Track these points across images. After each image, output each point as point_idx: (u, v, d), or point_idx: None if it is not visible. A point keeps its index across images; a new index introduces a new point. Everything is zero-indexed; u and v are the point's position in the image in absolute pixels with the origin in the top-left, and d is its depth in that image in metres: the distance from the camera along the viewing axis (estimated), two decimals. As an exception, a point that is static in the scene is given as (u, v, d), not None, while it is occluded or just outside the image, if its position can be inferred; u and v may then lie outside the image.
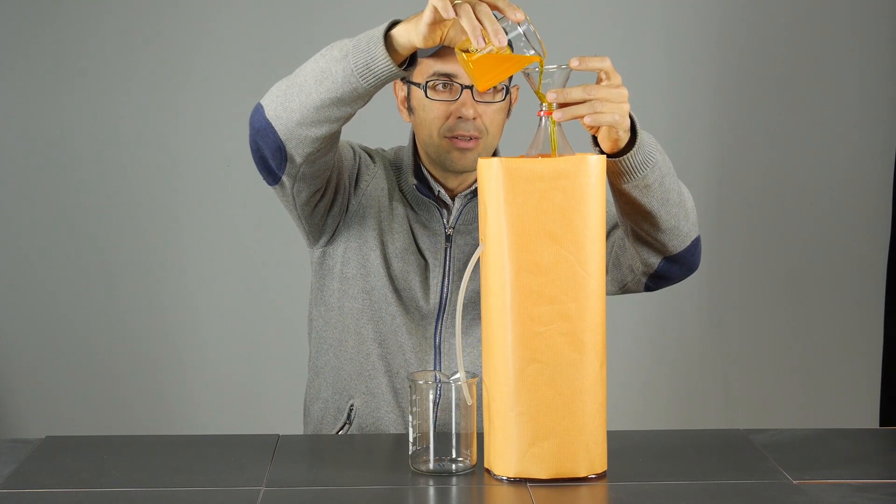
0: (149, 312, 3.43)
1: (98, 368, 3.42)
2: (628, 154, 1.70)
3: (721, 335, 3.48)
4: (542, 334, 1.57)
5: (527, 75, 1.61)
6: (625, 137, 1.69)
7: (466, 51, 1.61)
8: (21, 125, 3.37)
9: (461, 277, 2.02)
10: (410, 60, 1.73)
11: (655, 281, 1.95)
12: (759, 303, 3.47)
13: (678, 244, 1.85)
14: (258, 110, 1.82)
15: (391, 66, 1.70)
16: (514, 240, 1.57)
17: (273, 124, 1.80)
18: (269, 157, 1.85)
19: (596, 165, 1.58)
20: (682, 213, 1.82)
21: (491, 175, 1.58)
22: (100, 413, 3.40)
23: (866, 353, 3.44)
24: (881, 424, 3.37)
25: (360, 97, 1.74)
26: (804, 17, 3.41)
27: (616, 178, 1.74)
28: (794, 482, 1.60)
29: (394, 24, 1.70)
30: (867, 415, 3.41)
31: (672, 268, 1.90)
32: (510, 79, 1.97)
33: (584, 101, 1.63)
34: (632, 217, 1.81)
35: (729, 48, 3.42)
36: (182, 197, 3.39)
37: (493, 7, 1.61)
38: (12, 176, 3.38)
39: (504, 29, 1.59)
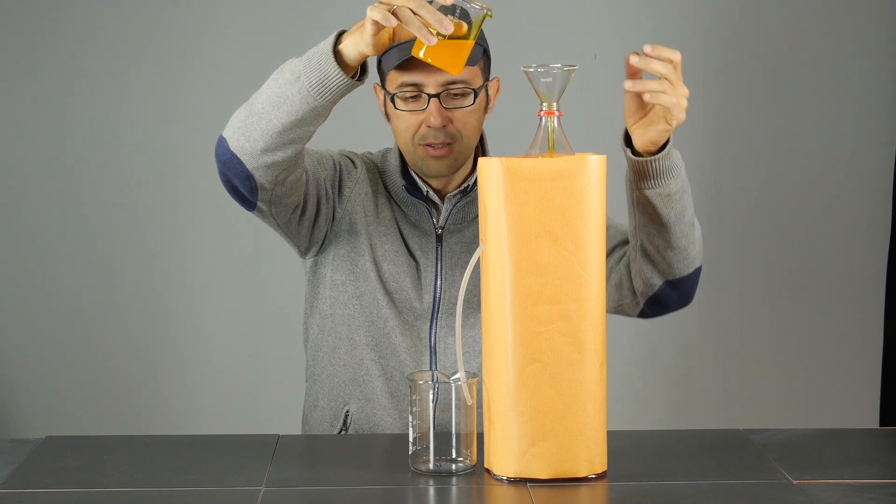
0: (149, 312, 3.43)
1: (98, 368, 3.42)
2: (658, 156, 1.72)
3: (721, 335, 3.48)
4: (542, 334, 1.57)
5: (527, 75, 1.62)
6: (663, 138, 1.71)
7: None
8: (20, 125, 3.37)
9: (453, 276, 2.02)
10: (363, 69, 1.75)
11: (652, 307, 1.97)
12: (759, 303, 3.47)
13: (683, 268, 1.88)
14: (222, 143, 1.83)
15: (345, 79, 1.71)
16: (514, 240, 1.57)
17: (238, 155, 1.82)
18: (240, 186, 1.87)
19: (596, 165, 1.58)
20: (692, 236, 1.86)
21: (491, 175, 1.58)
22: (100, 413, 3.40)
23: (866, 353, 3.44)
24: (881, 424, 3.37)
25: (320, 115, 1.76)
26: (805, 16, 3.41)
27: (641, 182, 1.76)
28: (794, 482, 1.60)
29: (340, 33, 1.72)
30: (867, 415, 3.41)
31: (671, 293, 1.92)
32: (485, 79, 1.97)
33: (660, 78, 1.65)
34: (646, 230, 1.83)
35: (730, 48, 3.42)
36: (182, 197, 3.39)
37: None
38: (12, 176, 3.38)
39: (444, 10, 1.63)
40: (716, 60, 3.42)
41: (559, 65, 1.60)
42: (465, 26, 1.65)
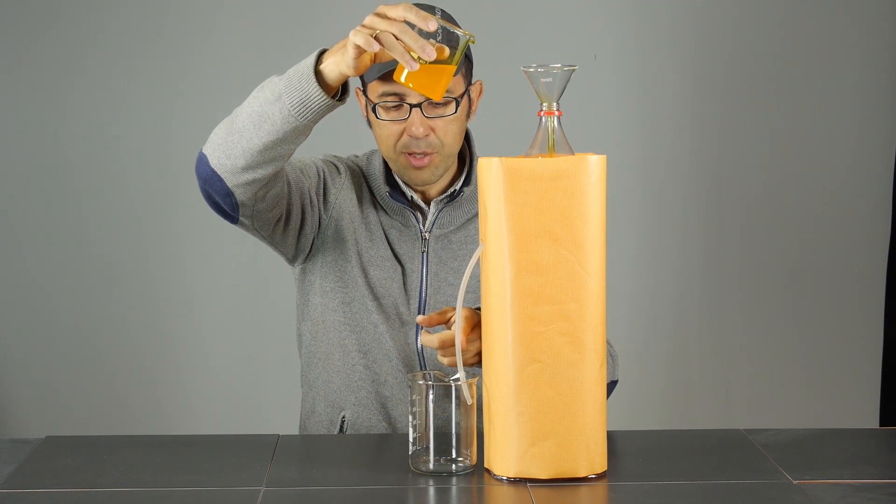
0: (148, 312, 3.43)
1: (98, 368, 3.42)
2: None
3: (721, 335, 3.48)
4: (542, 334, 1.57)
5: (527, 75, 1.62)
6: None
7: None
8: (20, 125, 3.37)
9: (438, 282, 2.03)
10: (344, 88, 1.75)
11: None
12: (759, 303, 3.47)
13: None
14: (202, 160, 1.83)
15: (326, 100, 1.71)
16: (514, 240, 1.57)
17: (218, 172, 1.82)
18: (221, 202, 1.87)
19: (596, 165, 1.58)
20: None
21: (491, 175, 1.58)
22: (100, 413, 3.40)
23: (866, 353, 3.44)
24: (881, 424, 3.37)
25: (301, 134, 1.76)
26: (805, 16, 3.41)
27: None
28: (794, 482, 1.60)
29: (322, 52, 1.72)
30: (867, 415, 3.41)
31: None
32: (468, 84, 1.98)
33: None
34: None
35: (730, 48, 3.42)
36: (182, 199, 3.39)
37: (407, 21, 1.63)
38: (11, 176, 3.38)
39: (426, 36, 1.63)
40: (715, 60, 3.42)
41: (559, 65, 1.60)
42: (447, 50, 1.65)
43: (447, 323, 1.78)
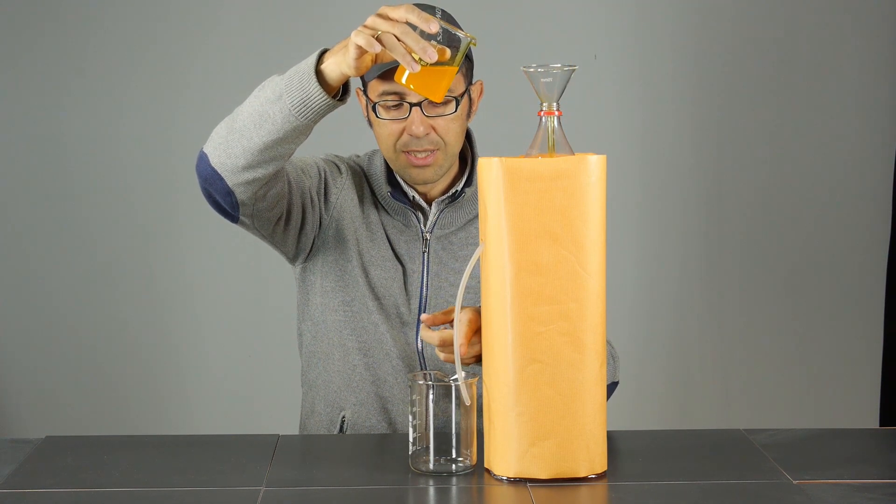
0: (148, 312, 3.43)
1: (98, 368, 3.42)
2: None
3: (721, 335, 3.48)
4: (542, 334, 1.57)
5: (527, 75, 1.62)
6: None
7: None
8: (19, 125, 3.37)
9: (439, 282, 2.02)
10: (345, 88, 1.75)
11: None
12: (759, 303, 3.47)
13: None
14: (202, 159, 1.83)
15: (327, 100, 1.71)
16: (514, 240, 1.57)
17: (219, 171, 1.82)
18: (222, 201, 1.87)
19: (596, 165, 1.58)
20: None
21: (491, 175, 1.58)
22: (100, 413, 3.40)
23: (866, 353, 3.44)
24: (881, 424, 3.37)
25: (301, 133, 1.76)
26: (805, 16, 3.41)
27: None
28: (794, 482, 1.60)
29: (323, 52, 1.72)
30: (867, 415, 3.41)
31: None
32: (468, 83, 1.97)
33: None
34: None
35: (729, 48, 3.42)
36: (181, 197, 3.39)
37: (409, 22, 1.63)
38: (11, 176, 3.38)
39: (428, 37, 1.63)
40: (715, 60, 3.42)
41: (559, 65, 1.60)
42: (448, 52, 1.65)
43: (452, 322, 1.78)
